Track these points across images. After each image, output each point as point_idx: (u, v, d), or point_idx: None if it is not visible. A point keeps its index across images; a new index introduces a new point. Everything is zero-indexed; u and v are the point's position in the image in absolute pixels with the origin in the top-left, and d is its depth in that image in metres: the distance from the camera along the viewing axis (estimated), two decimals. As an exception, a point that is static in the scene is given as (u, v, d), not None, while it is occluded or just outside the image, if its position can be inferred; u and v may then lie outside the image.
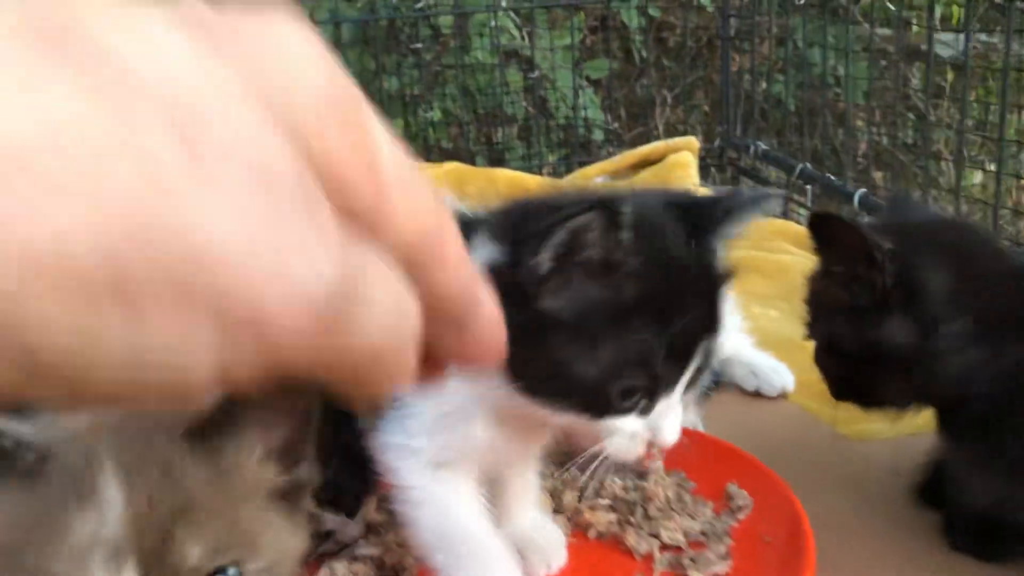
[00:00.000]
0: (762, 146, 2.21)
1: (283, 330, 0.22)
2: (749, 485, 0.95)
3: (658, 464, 1.01)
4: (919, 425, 1.12)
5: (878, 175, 2.35)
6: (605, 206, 0.64)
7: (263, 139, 0.22)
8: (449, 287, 0.29)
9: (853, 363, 0.88)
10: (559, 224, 0.64)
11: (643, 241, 0.67)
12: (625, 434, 0.72)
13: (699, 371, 0.73)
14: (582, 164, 2.48)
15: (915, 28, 2.27)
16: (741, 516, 0.92)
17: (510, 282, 0.65)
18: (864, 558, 0.89)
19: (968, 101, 1.71)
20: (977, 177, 2.27)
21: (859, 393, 0.91)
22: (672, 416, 0.73)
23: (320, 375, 0.24)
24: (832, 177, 1.94)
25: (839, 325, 0.88)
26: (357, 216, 0.25)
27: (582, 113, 2.73)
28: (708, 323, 0.72)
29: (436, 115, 2.67)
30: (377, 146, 0.26)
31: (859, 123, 2.35)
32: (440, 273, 0.29)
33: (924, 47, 1.90)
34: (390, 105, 2.57)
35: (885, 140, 2.35)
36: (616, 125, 2.70)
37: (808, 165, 2.00)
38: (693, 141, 2.32)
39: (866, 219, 1.82)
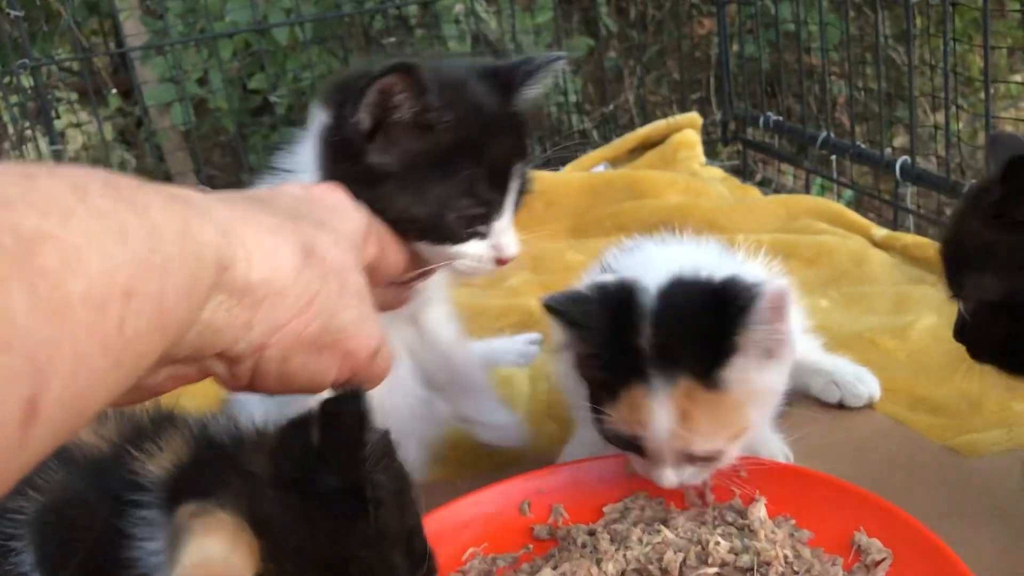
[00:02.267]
0: (774, 117, 2.05)
1: (359, 358, 0.67)
2: (879, 531, 0.79)
3: (762, 511, 0.85)
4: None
5: (859, 130, 2.21)
6: (404, 67, 0.79)
7: (356, 273, 0.67)
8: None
9: None
10: (368, 85, 0.80)
11: (453, 99, 0.84)
12: (473, 256, 0.88)
13: (521, 193, 0.90)
14: (556, 147, 2.30)
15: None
16: (881, 574, 0.76)
17: (340, 140, 0.84)
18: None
19: (947, 44, 1.58)
20: (961, 122, 2.14)
21: None
22: (508, 234, 0.88)
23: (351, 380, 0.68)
24: (862, 145, 1.78)
25: None
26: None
27: (565, 98, 2.57)
28: (517, 150, 0.89)
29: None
30: (380, 239, 0.78)
31: (832, 78, 2.24)
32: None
33: None
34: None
35: (863, 94, 2.22)
36: (578, 99, 2.52)
37: (831, 134, 1.85)
38: (695, 117, 2.16)
39: (910, 190, 1.67)
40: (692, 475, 0.86)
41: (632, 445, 0.86)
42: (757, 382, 0.83)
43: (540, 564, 0.84)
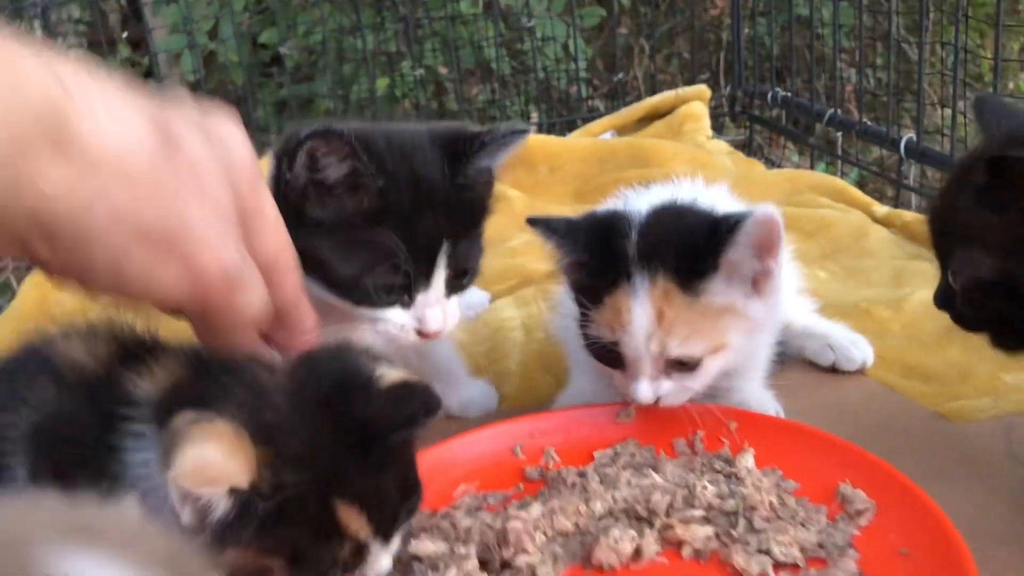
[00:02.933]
0: (782, 93, 2.05)
1: (210, 276, 0.60)
2: (864, 483, 0.81)
3: (749, 460, 0.87)
4: (1024, 400, 1.00)
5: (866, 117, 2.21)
6: (327, 133, 0.84)
7: (222, 188, 0.61)
8: (286, 298, 0.69)
9: None
10: (298, 146, 0.85)
11: (387, 165, 0.88)
12: (393, 324, 0.92)
13: (461, 274, 0.94)
14: (586, 120, 2.31)
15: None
16: (863, 522, 0.78)
17: (283, 191, 0.88)
18: (1008, 562, 0.76)
19: (957, 39, 1.58)
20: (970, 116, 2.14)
21: None
22: (436, 310, 0.92)
23: (207, 311, 0.63)
24: (868, 122, 1.78)
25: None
26: (249, 238, 0.64)
27: (573, 65, 2.56)
28: (450, 226, 0.90)
29: (420, 72, 2.48)
30: (264, 197, 0.68)
31: (841, 65, 2.24)
32: (280, 287, 0.68)
33: None
34: (372, 64, 2.38)
35: (872, 82, 2.22)
36: (589, 74, 2.52)
37: (838, 111, 1.85)
38: (704, 90, 2.16)
39: (913, 167, 1.68)
40: (669, 391, 0.89)
41: (614, 359, 0.90)
42: (737, 306, 0.87)
43: (530, 501, 0.85)
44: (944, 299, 0.83)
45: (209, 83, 2.65)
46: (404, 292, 0.90)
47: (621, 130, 2.17)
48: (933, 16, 1.88)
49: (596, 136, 2.12)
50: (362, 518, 0.64)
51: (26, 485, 0.78)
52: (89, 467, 0.75)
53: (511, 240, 1.66)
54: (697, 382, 0.90)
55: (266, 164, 0.99)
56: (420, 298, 0.91)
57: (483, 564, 0.76)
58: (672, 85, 2.40)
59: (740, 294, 0.87)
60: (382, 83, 2.46)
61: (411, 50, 2.41)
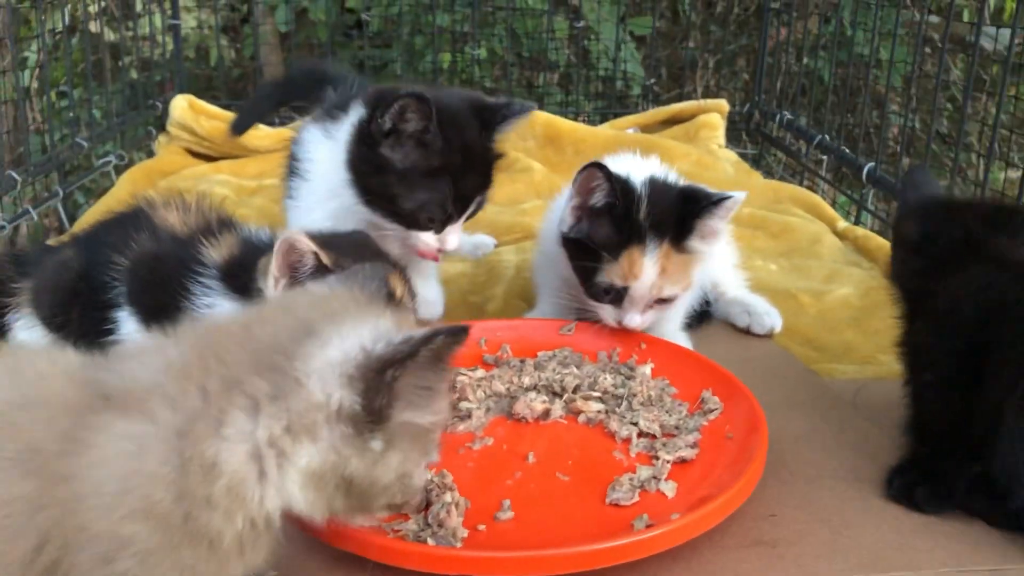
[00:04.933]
0: (788, 116, 2.32)
1: None
2: (722, 393, 1.09)
3: (647, 369, 1.16)
4: (885, 372, 1.26)
5: (906, 161, 2.44)
6: (420, 96, 1.15)
7: None
8: None
9: None
10: (395, 99, 1.16)
11: (448, 129, 1.19)
12: (424, 241, 1.26)
13: (476, 209, 1.28)
14: (617, 116, 2.60)
15: (965, 18, 2.32)
16: (712, 417, 1.06)
17: (367, 131, 1.21)
18: (812, 462, 1.04)
19: (1007, 96, 1.72)
20: (1005, 173, 2.34)
21: None
22: (455, 236, 1.27)
23: None
24: (846, 150, 2.05)
25: None
26: None
27: (621, 66, 2.84)
28: (482, 183, 1.26)
29: (483, 53, 2.79)
30: None
31: (895, 107, 2.44)
32: None
33: (970, 38, 1.93)
34: (439, 40, 2.69)
35: (918, 127, 2.42)
36: (652, 82, 2.79)
37: (826, 137, 2.12)
38: (723, 104, 2.43)
39: (872, 191, 1.93)
40: (646, 319, 1.22)
41: (614, 296, 1.21)
42: (702, 253, 1.23)
43: (482, 373, 1.16)
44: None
45: (298, 36, 2.99)
46: (440, 224, 1.25)
47: (645, 128, 2.45)
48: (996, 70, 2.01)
49: (622, 129, 2.41)
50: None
51: (125, 305, 1.12)
52: (168, 299, 1.08)
53: (524, 203, 1.97)
54: (668, 312, 1.26)
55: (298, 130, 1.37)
56: (449, 228, 1.26)
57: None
58: (731, 101, 2.62)
59: (703, 242, 1.21)
60: (445, 58, 2.77)
61: (474, 32, 2.72)
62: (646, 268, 1.18)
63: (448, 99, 1.25)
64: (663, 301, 1.22)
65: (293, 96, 1.69)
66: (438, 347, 0.66)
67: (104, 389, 0.65)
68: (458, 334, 0.66)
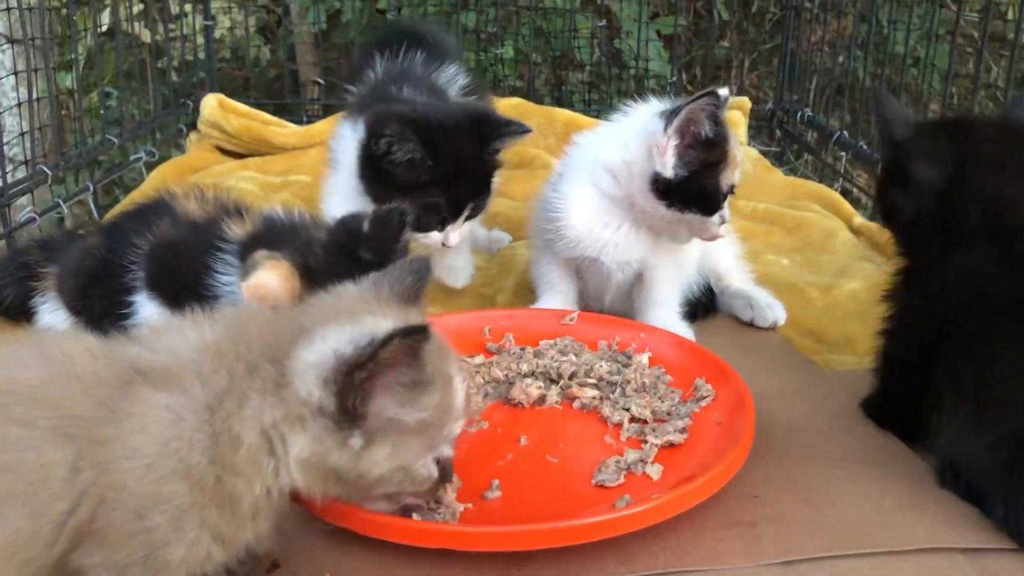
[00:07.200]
0: (808, 112, 2.32)
1: None
2: (714, 381, 1.11)
3: (644, 357, 1.19)
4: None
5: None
6: (402, 124, 1.27)
7: None
8: None
9: None
10: (382, 133, 1.28)
11: (437, 146, 1.29)
12: (430, 240, 1.37)
13: (474, 211, 1.38)
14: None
15: (1010, 17, 2.28)
16: (704, 404, 1.08)
17: (368, 151, 1.32)
18: (803, 445, 1.06)
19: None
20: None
21: None
22: (456, 233, 1.38)
23: None
24: (863, 145, 2.05)
25: None
26: None
27: (644, 65, 2.85)
28: (476, 191, 1.37)
29: (508, 52, 2.82)
30: None
31: (934, 107, 2.42)
32: None
33: (1011, 36, 1.90)
34: (465, 39, 2.73)
35: None
36: (674, 79, 2.80)
37: (845, 132, 2.12)
38: (745, 101, 2.44)
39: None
40: None
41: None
42: None
43: (481, 359, 1.19)
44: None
45: (332, 37, 3.06)
46: (441, 225, 1.36)
47: (667, 125, 2.46)
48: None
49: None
50: None
51: (144, 285, 1.17)
52: (190, 280, 1.12)
53: (541, 198, 1.99)
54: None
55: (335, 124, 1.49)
56: (449, 227, 1.37)
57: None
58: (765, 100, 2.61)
59: None
60: (472, 58, 2.81)
61: (499, 32, 2.75)
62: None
63: (444, 116, 1.35)
64: None
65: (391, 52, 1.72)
66: (396, 349, 0.70)
67: (137, 364, 0.72)
68: (414, 334, 0.70)
